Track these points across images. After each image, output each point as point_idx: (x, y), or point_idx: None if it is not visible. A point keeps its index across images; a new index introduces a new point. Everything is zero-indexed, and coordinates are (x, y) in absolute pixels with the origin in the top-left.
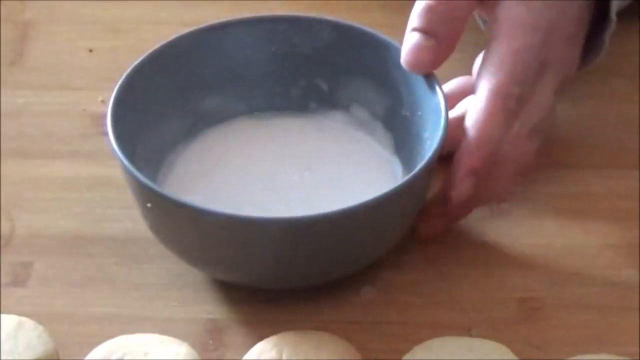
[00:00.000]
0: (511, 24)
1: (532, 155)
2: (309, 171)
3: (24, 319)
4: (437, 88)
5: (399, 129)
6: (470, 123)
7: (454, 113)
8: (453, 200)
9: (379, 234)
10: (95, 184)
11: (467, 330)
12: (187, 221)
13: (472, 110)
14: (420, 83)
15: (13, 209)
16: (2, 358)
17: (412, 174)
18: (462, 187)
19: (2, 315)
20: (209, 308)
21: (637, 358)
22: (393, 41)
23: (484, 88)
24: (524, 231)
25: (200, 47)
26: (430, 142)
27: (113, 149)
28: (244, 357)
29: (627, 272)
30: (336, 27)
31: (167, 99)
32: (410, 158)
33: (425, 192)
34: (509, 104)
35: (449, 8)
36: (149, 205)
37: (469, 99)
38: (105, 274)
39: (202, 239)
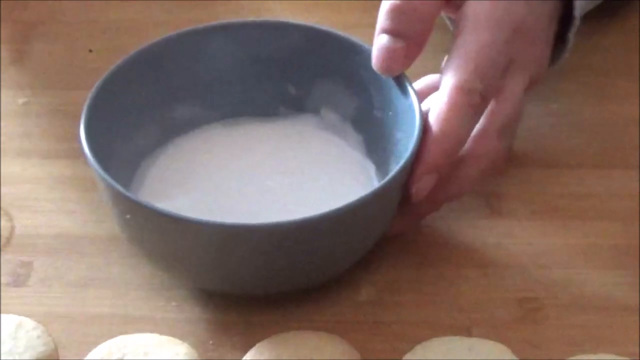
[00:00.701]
0: (477, 21)
1: (501, 153)
2: (281, 176)
3: (24, 319)
4: (409, 87)
5: (370, 130)
6: (432, 118)
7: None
8: (413, 197)
9: (356, 237)
10: (95, 183)
11: (467, 330)
12: (163, 229)
13: (435, 105)
14: (390, 83)
15: (13, 209)
16: (2, 358)
17: (390, 175)
18: (422, 183)
19: (2, 315)
20: (209, 308)
21: (637, 358)
22: (362, 43)
23: (447, 83)
24: (524, 231)
25: (170, 55)
26: (405, 142)
27: (87, 159)
28: (244, 357)
29: (627, 272)
30: (304, 31)
31: (139, 108)
32: (384, 159)
33: (402, 192)
34: (472, 99)
35: (415, 8)
36: (128, 216)
37: (434, 95)
38: (105, 274)
39: (178, 246)
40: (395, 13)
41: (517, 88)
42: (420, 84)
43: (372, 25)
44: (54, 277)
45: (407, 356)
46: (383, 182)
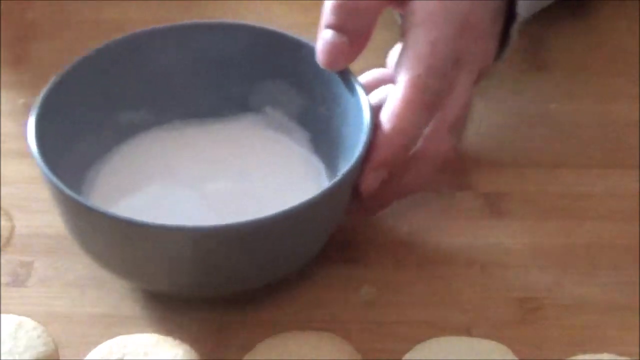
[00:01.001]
0: (426, 17)
1: (451, 150)
2: (229, 177)
3: (24, 319)
4: (355, 83)
5: (317, 128)
6: (385, 116)
7: None
8: (362, 193)
9: (306, 237)
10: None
11: (467, 330)
12: (112, 233)
13: (388, 103)
14: (336, 79)
15: (13, 209)
16: (2, 358)
17: (341, 174)
18: (370, 179)
19: (2, 315)
20: (209, 308)
21: (637, 358)
22: (305, 40)
23: (401, 80)
24: (524, 231)
25: (115, 59)
26: (354, 138)
27: (38, 163)
28: (244, 357)
29: (627, 272)
30: (246, 31)
31: (87, 113)
32: (332, 155)
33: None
34: (426, 97)
35: (358, 4)
36: (81, 223)
37: (382, 89)
38: (104, 274)
39: (126, 249)
40: (339, 9)
41: (466, 84)
42: (366, 77)
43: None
44: (54, 277)
45: (407, 356)
46: (334, 180)
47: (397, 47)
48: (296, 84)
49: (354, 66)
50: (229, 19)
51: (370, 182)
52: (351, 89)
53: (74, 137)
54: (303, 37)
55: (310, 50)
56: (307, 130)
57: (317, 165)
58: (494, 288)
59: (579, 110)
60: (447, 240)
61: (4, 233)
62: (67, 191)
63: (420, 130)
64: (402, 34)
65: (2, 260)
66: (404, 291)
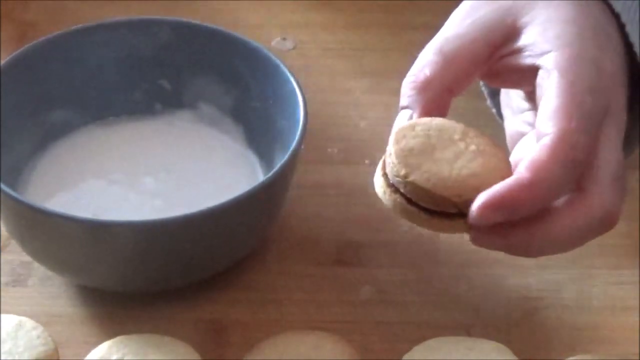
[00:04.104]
0: (567, 67)
1: (616, 208)
2: (164, 173)
3: (24, 319)
4: (289, 75)
5: (251, 121)
6: (526, 164)
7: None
8: (470, 219)
9: (241, 232)
10: None
11: (467, 330)
12: (46, 228)
13: (532, 153)
14: (269, 72)
15: None
16: (2, 358)
17: (277, 167)
18: (486, 215)
19: (2, 315)
20: (209, 308)
21: (637, 358)
22: (236, 34)
23: (548, 133)
24: None
25: (43, 59)
26: (289, 130)
27: None
28: (244, 357)
29: (627, 272)
30: (174, 26)
31: (20, 111)
32: (267, 149)
33: (290, 182)
34: (576, 153)
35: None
36: (17, 221)
37: (524, 140)
38: None
39: (61, 245)
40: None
41: (617, 137)
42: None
43: (372, 25)
44: (54, 277)
45: (407, 356)
46: (268, 176)
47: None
48: (227, 78)
49: None
50: (230, 17)
51: (484, 218)
52: (285, 82)
53: (7, 135)
54: (231, 31)
55: (240, 44)
56: (241, 125)
57: (251, 159)
58: (494, 288)
59: None
60: (447, 240)
61: (4, 233)
62: (4, 188)
63: (562, 188)
64: (540, 87)
65: (2, 260)
66: (404, 291)
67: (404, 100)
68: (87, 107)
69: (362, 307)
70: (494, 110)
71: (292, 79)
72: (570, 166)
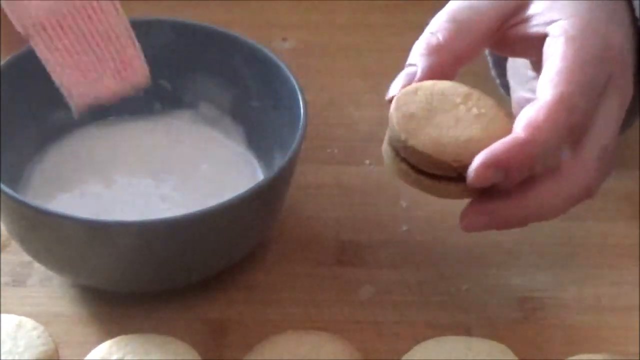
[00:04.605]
0: (574, 34)
1: (599, 181)
2: (163, 173)
3: (24, 319)
4: (290, 75)
5: (251, 121)
6: (522, 123)
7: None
8: (468, 182)
9: (240, 233)
10: None
11: (467, 330)
12: (46, 228)
13: (528, 112)
14: (269, 72)
15: None
16: (2, 358)
17: (277, 167)
18: (483, 174)
19: (2, 315)
20: (209, 308)
21: (637, 358)
22: (236, 34)
23: (547, 94)
24: (524, 231)
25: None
26: (289, 130)
27: None
28: (244, 357)
29: (627, 272)
30: (174, 26)
31: (22, 111)
32: (267, 149)
33: (290, 182)
34: (572, 117)
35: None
36: (18, 221)
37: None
38: None
39: (61, 245)
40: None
41: (615, 111)
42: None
43: (372, 25)
44: (54, 277)
45: (407, 356)
46: (270, 174)
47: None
48: (228, 78)
49: None
50: (230, 18)
51: (482, 177)
52: (285, 82)
53: (7, 135)
54: (231, 31)
55: (240, 44)
56: (241, 125)
57: (251, 159)
58: (494, 288)
59: None
60: (447, 240)
61: (4, 233)
62: (4, 188)
63: (554, 149)
64: (546, 53)
65: (2, 260)
66: (404, 291)
67: (412, 58)
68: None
69: (362, 307)
70: (497, 81)
71: (292, 79)
72: (566, 129)
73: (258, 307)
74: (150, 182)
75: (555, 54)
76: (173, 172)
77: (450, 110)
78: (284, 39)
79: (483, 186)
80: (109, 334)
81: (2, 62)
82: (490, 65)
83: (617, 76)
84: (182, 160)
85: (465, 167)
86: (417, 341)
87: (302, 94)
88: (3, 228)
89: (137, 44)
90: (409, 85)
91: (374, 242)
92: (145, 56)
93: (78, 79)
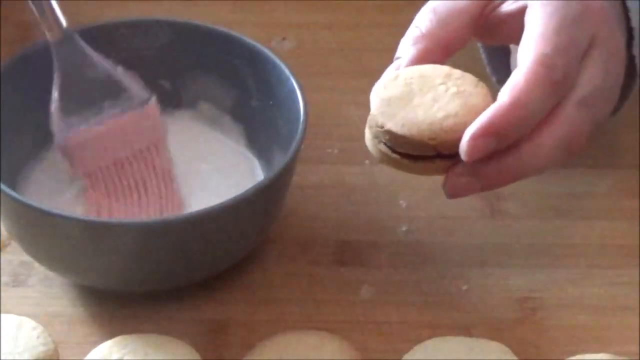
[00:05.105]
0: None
1: (580, 131)
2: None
3: (24, 319)
4: (290, 75)
5: (251, 121)
6: (506, 89)
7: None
8: (464, 156)
9: (240, 233)
10: None
11: (467, 330)
12: (46, 228)
13: (511, 78)
14: (269, 72)
15: None
16: (2, 358)
17: (277, 167)
18: (476, 146)
19: (2, 315)
20: (209, 308)
21: (637, 358)
22: (236, 34)
23: (527, 58)
24: (524, 231)
25: (43, 60)
26: (289, 130)
27: None
28: (244, 357)
29: (627, 272)
30: (174, 26)
31: (17, 113)
32: (266, 148)
33: (290, 182)
34: (552, 75)
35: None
36: (18, 221)
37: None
38: None
39: (61, 245)
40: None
41: (601, 64)
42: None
43: (370, 25)
44: (54, 277)
45: (407, 356)
46: (270, 174)
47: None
48: (227, 78)
49: None
50: (230, 18)
51: (475, 149)
52: (285, 82)
53: (7, 135)
54: (230, 30)
55: (240, 44)
56: (241, 125)
57: (251, 159)
58: (494, 288)
59: None
60: (447, 240)
61: (4, 233)
62: (4, 188)
63: (541, 108)
64: (527, 16)
65: (2, 260)
66: (404, 291)
67: (399, 51)
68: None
69: (362, 307)
70: (494, 79)
71: (292, 79)
72: (548, 87)
73: (258, 307)
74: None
75: (532, 20)
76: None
77: (429, 91)
78: (284, 39)
79: (478, 158)
80: (109, 334)
81: (2, 62)
82: (486, 62)
83: (600, 37)
84: (182, 160)
85: (443, 144)
86: (417, 341)
87: (302, 94)
88: (3, 228)
89: (175, 180)
90: (391, 72)
91: (374, 242)
92: (145, 56)
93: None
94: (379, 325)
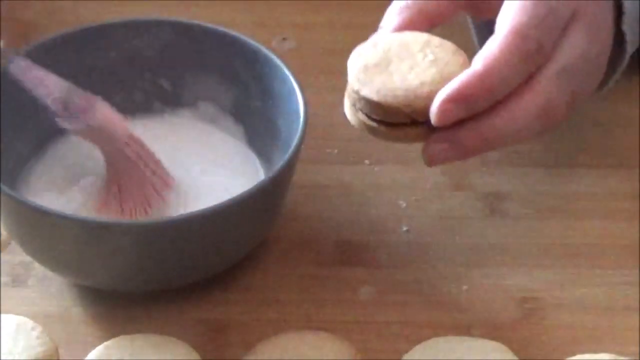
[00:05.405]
0: None
1: (559, 100)
2: None
3: (23, 319)
4: (289, 75)
5: (251, 120)
6: (479, 57)
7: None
8: (433, 120)
9: (241, 233)
10: None
11: (467, 330)
12: (46, 228)
13: (486, 46)
14: (269, 71)
15: None
16: (2, 358)
17: (277, 167)
18: (444, 111)
19: (2, 315)
20: (209, 308)
21: (637, 358)
22: (236, 34)
23: (502, 28)
24: (524, 231)
25: (46, 59)
26: (288, 130)
27: None
28: (244, 357)
29: (627, 272)
30: (174, 26)
31: (17, 113)
32: (266, 147)
33: (290, 182)
34: (526, 44)
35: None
36: (17, 219)
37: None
38: None
39: (61, 245)
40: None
41: (583, 35)
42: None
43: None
44: (54, 277)
45: (407, 356)
46: (270, 174)
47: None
48: (229, 78)
49: None
50: (230, 18)
51: (444, 114)
52: (285, 82)
53: (7, 135)
54: (230, 30)
55: (240, 43)
56: (241, 124)
57: (251, 159)
58: (494, 288)
59: (579, 110)
60: (447, 240)
61: (4, 233)
62: (4, 188)
63: (514, 77)
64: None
65: (2, 260)
66: (404, 291)
67: (382, 22)
68: None
69: (362, 307)
70: None
71: (292, 79)
72: (522, 56)
73: (258, 307)
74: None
75: None
76: (173, 172)
77: (406, 58)
78: (284, 39)
79: (447, 123)
80: (109, 334)
81: (2, 65)
82: (474, 36)
83: (583, 10)
84: (182, 160)
85: (418, 111)
86: (417, 341)
87: (302, 94)
88: (3, 228)
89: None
90: (371, 40)
91: (374, 242)
92: (145, 56)
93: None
94: (379, 325)
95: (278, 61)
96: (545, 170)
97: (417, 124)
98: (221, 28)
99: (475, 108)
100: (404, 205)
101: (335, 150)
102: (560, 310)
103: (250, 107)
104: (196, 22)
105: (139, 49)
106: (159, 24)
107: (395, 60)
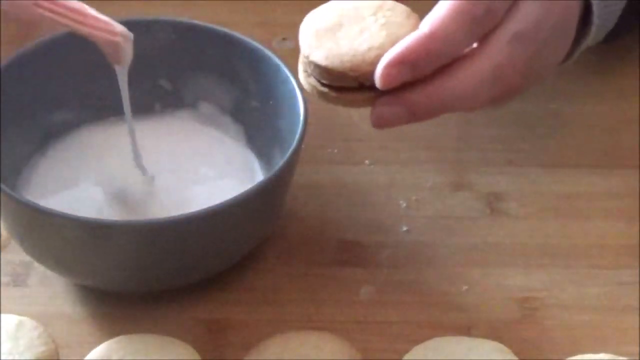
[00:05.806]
0: None
1: (513, 66)
2: (164, 173)
3: (24, 319)
4: (289, 75)
5: (251, 121)
6: (426, 20)
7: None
8: (377, 82)
9: (240, 233)
10: None
11: (467, 331)
12: (46, 228)
13: (434, 10)
14: (269, 72)
15: None
16: (2, 358)
17: (277, 167)
18: (388, 73)
19: (2, 315)
20: (209, 308)
21: (637, 358)
22: (236, 34)
23: None
24: (524, 231)
25: (47, 59)
26: (288, 130)
27: None
28: (244, 357)
29: (627, 272)
30: (174, 26)
31: (17, 113)
32: (266, 148)
33: (290, 182)
34: (474, 8)
35: None
36: (17, 220)
37: None
38: None
39: (61, 245)
40: None
41: (536, 5)
42: None
43: None
44: (54, 277)
45: (407, 356)
46: (270, 174)
47: None
48: (227, 77)
49: None
50: (230, 17)
51: (389, 77)
52: (285, 82)
53: (7, 135)
54: (230, 30)
55: (240, 44)
56: (241, 124)
57: (251, 159)
58: (494, 288)
59: (579, 110)
60: (447, 240)
61: (4, 233)
62: (4, 188)
63: (460, 41)
64: None
65: (2, 260)
66: (404, 291)
67: None
68: (87, 107)
69: (362, 307)
70: None
71: (292, 79)
72: (469, 20)
73: (258, 307)
74: (150, 181)
75: None
76: (173, 172)
77: (357, 22)
78: (284, 39)
79: (392, 86)
80: (109, 334)
81: (2, 62)
82: None
83: None
84: (182, 160)
85: (366, 75)
86: (417, 341)
87: (302, 94)
88: (3, 228)
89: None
90: (325, 4)
91: (374, 242)
92: (145, 56)
93: None
94: (379, 325)
95: (278, 61)
96: (545, 170)
97: (366, 88)
98: (221, 28)
99: (421, 71)
100: (404, 205)
101: (335, 150)
102: (560, 310)
103: (250, 108)
104: (196, 22)
105: (139, 49)
106: (159, 24)
107: (347, 25)
